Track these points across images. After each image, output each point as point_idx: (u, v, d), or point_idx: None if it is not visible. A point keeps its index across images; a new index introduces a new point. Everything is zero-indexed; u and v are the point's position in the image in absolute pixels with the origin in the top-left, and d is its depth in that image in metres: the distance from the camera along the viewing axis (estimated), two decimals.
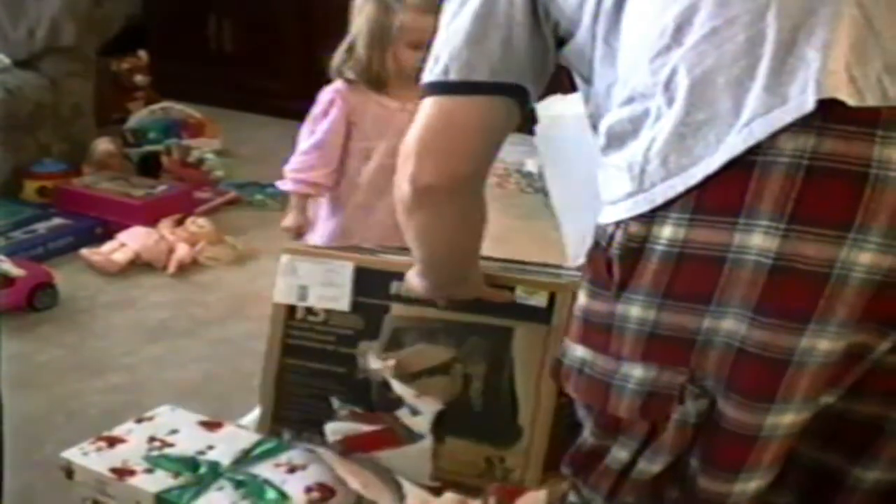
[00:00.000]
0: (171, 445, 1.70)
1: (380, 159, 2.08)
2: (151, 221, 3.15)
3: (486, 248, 1.51)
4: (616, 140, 1.06)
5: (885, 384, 1.00)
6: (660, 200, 0.98)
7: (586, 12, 1.12)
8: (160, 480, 1.61)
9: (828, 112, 0.92)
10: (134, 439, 1.72)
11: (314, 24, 4.06)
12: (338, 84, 2.10)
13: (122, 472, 1.62)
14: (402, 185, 1.26)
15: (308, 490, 1.59)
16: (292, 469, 1.64)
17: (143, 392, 2.28)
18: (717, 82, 0.97)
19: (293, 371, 1.74)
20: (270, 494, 1.58)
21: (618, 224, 1.02)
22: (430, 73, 1.21)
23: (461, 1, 1.19)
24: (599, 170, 1.10)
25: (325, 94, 2.11)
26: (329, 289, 1.69)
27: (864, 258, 0.92)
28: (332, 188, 2.12)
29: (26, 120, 3.47)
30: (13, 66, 3.55)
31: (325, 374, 1.72)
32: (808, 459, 1.07)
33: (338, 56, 2.09)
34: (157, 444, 1.70)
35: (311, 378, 1.73)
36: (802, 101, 0.93)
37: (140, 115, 4.12)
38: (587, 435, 1.12)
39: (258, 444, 1.71)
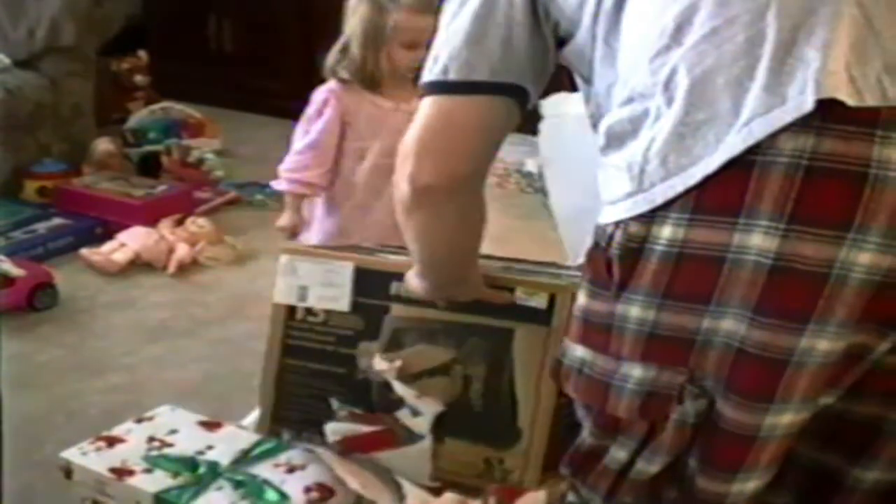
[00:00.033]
0: (170, 445, 1.70)
1: (374, 159, 2.09)
2: (151, 221, 3.15)
3: (486, 248, 1.51)
4: (616, 140, 1.06)
5: (884, 385, 1.00)
6: (659, 200, 0.98)
7: (586, 12, 1.12)
8: (159, 480, 1.61)
9: (827, 112, 0.92)
10: (133, 439, 1.72)
11: (314, 24, 4.06)
12: (332, 84, 2.11)
13: (122, 472, 1.62)
14: (401, 185, 1.25)
15: (307, 490, 1.59)
16: (291, 469, 1.64)
17: (143, 392, 2.28)
18: (716, 82, 0.97)
19: (293, 371, 1.74)
20: (270, 494, 1.58)
21: (617, 224, 1.02)
22: (430, 73, 1.21)
23: (461, 1, 1.19)
24: (599, 170, 1.10)
25: (319, 94, 2.12)
26: (329, 289, 1.69)
27: (863, 258, 0.92)
28: (327, 188, 2.13)
29: (26, 120, 3.47)
30: (13, 66, 3.55)
31: (324, 375, 1.72)
32: (808, 460, 1.07)
33: (332, 56, 2.10)
34: (156, 444, 1.70)
35: (310, 378, 1.73)
36: (802, 100, 0.93)
37: (140, 115, 4.12)
38: (586, 435, 1.12)
39: (257, 444, 1.71)
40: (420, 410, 1.64)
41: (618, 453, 1.07)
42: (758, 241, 0.94)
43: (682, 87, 0.98)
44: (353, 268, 1.69)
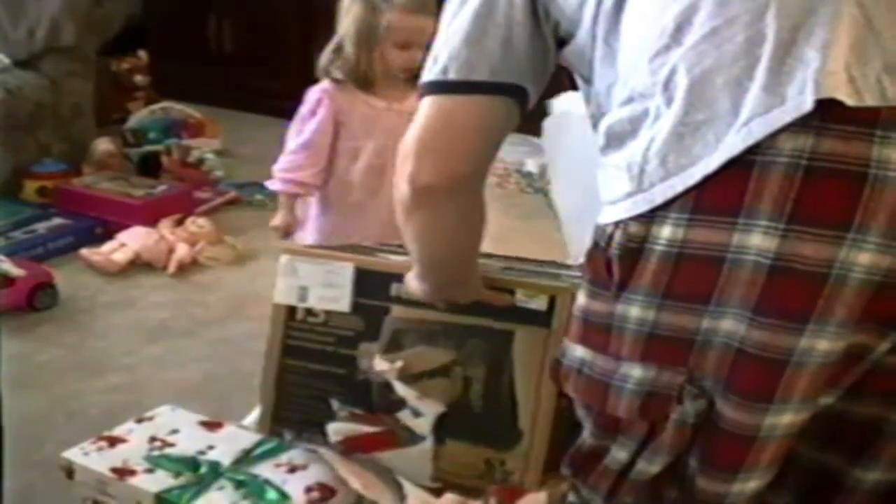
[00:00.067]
0: (171, 445, 1.70)
1: (368, 159, 2.10)
2: (151, 221, 3.16)
3: (486, 248, 1.51)
4: (615, 140, 1.06)
5: (884, 385, 1.00)
6: (659, 200, 0.98)
7: (586, 13, 1.12)
8: (161, 480, 1.61)
9: (827, 112, 0.92)
10: (134, 439, 1.72)
11: (314, 24, 4.06)
12: (325, 84, 2.11)
13: (123, 472, 1.62)
14: (401, 186, 1.25)
15: (308, 490, 1.59)
16: (292, 469, 1.64)
17: (143, 392, 2.28)
18: (716, 82, 0.97)
19: (293, 372, 1.74)
20: (271, 494, 1.58)
21: (617, 224, 1.02)
22: (429, 73, 1.21)
23: (461, 1, 1.19)
24: (599, 170, 1.10)
25: (313, 94, 2.13)
26: (329, 290, 1.69)
27: (863, 258, 0.92)
28: (321, 187, 2.14)
29: (26, 120, 3.47)
30: (13, 66, 3.55)
31: (325, 376, 1.72)
32: (808, 460, 1.07)
33: (325, 56, 2.11)
34: (157, 443, 1.71)
35: (311, 379, 1.73)
36: (801, 101, 0.93)
37: (140, 115, 4.13)
38: (586, 435, 1.12)
39: (258, 444, 1.71)
40: (421, 411, 1.64)
41: (618, 453, 1.07)
42: (757, 241, 0.94)
43: (682, 87, 0.98)
44: (353, 269, 1.69)
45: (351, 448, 1.66)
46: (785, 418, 0.98)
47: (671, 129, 0.99)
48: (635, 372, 1.02)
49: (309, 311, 1.72)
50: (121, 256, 2.99)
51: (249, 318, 2.61)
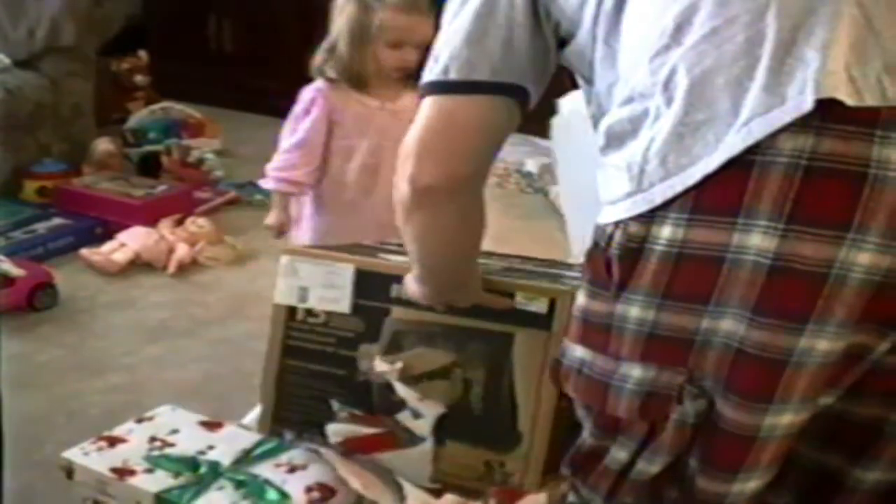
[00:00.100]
0: (171, 445, 1.70)
1: (362, 158, 2.11)
2: (151, 221, 3.16)
3: (487, 248, 1.51)
4: (615, 140, 1.06)
5: (884, 385, 1.00)
6: (659, 200, 0.98)
7: (587, 13, 1.11)
8: (160, 480, 1.61)
9: (827, 112, 0.92)
10: (134, 439, 1.72)
11: (314, 24, 4.05)
12: (319, 83, 2.13)
13: (123, 472, 1.62)
14: (402, 186, 1.25)
15: (308, 490, 1.59)
16: (292, 469, 1.64)
17: (143, 392, 2.28)
18: (716, 82, 0.97)
19: (293, 372, 1.74)
20: (271, 494, 1.58)
21: (617, 224, 1.02)
22: (430, 73, 1.21)
23: (462, 1, 1.19)
24: (598, 170, 1.10)
25: (307, 93, 2.14)
26: (329, 291, 1.69)
27: (862, 258, 0.92)
28: (315, 186, 2.14)
29: (26, 120, 3.47)
30: (13, 66, 3.55)
31: (325, 376, 1.72)
32: (808, 460, 1.07)
33: (319, 55, 2.12)
34: (157, 443, 1.70)
35: (311, 379, 1.73)
36: (801, 101, 0.93)
37: (140, 115, 4.13)
38: (586, 435, 1.12)
39: (258, 444, 1.71)
40: (422, 413, 1.64)
41: (618, 454, 1.07)
42: (757, 241, 0.94)
43: (682, 87, 0.98)
44: (353, 270, 1.68)
45: (351, 449, 1.66)
46: (785, 418, 0.98)
47: (671, 129, 0.99)
48: (635, 372, 1.02)
49: (309, 312, 1.72)
50: (121, 256, 2.99)
51: (249, 318, 2.61)
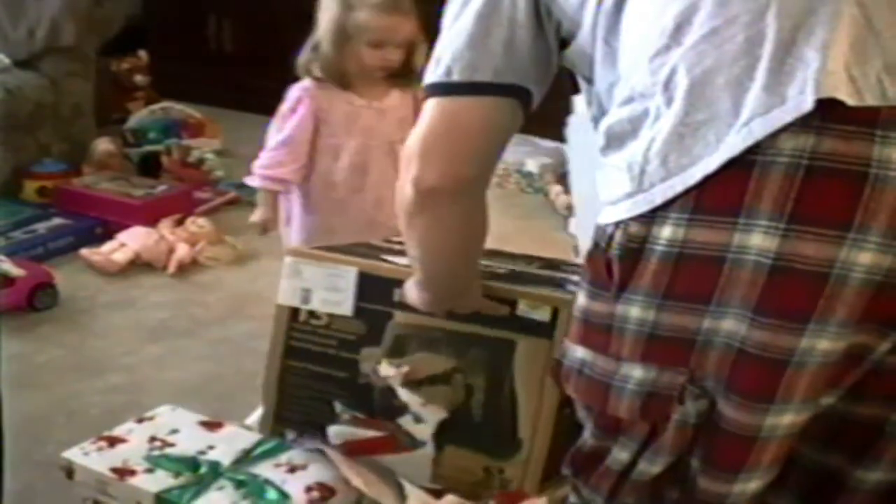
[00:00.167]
0: (171, 445, 1.71)
1: (349, 157, 2.12)
2: (151, 221, 3.16)
3: (488, 247, 1.50)
4: (615, 140, 1.06)
5: (885, 385, 1.00)
6: (659, 201, 0.98)
7: (587, 13, 1.11)
8: (161, 480, 1.61)
9: (827, 112, 0.92)
10: (134, 439, 1.72)
11: (314, 24, 4.06)
12: (306, 82, 2.14)
13: (123, 472, 1.62)
14: (405, 189, 1.24)
15: (308, 490, 1.59)
16: (292, 469, 1.64)
17: (143, 392, 2.28)
18: (716, 82, 0.97)
19: (295, 373, 1.74)
20: (271, 494, 1.58)
21: (617, 224, 1.02)
22: (433, 75, 1.20)
23: (463, 2, 1.19)
24: (598, 170, 1.10)
25: (294, 92, 2.15)
26: (332, 293, 1.69)
27: (863, 258, 0.92)
28: (302, 184, 2.15)
29: (26, 120, 3.47)
30: (13, 66, 3.55)
31: (326, 378, 1.71)
32: (809, 461, 1.06)
33: (304, 54, 2.13)
34: (157, 443, 1.71)
35: (312, 381, 1.72)
36: (801, 100, 0.93)
37: (140, 115, 4.13)
38: (587, 436, 1.12)
39: (259, 443, 1.71)
40: (423, 417, 1.64)
41: (619, 454, 1.07)
42: (758, 240, 0.94)
43: (682, 87, 0.98)
44: (356, 273, 1.68)
45: (351, 452, 1.66)
46: (786, 418, 0.98)
47: (671, 129, 0.98)
48: (636, 372, 1.02)
49: (312, 314, 1.71)
50: (121, 256, 2.99)
51: (250, 318, 2.61)
